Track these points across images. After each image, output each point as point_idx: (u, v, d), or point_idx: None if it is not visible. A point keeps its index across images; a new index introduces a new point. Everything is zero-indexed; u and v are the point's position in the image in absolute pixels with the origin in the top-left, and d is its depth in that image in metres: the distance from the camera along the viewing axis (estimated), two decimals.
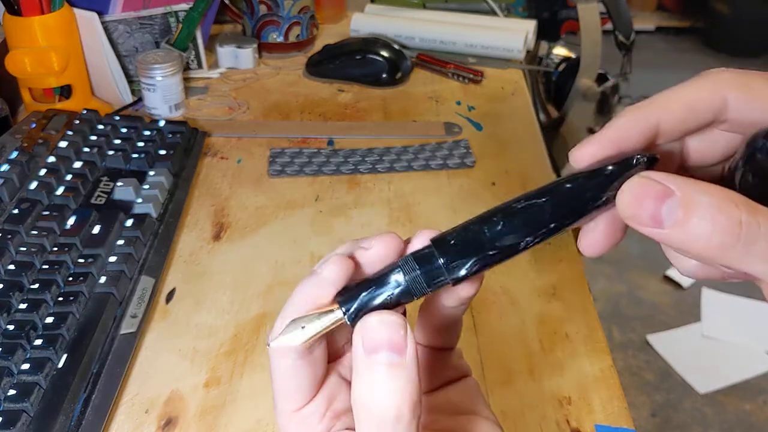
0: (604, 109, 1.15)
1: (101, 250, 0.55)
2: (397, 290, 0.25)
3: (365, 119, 0.85)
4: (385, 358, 0.23)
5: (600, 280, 1.85)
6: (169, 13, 0.87)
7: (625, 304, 1.83)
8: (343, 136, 0.80)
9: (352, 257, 0.27)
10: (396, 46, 0.94)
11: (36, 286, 0.50)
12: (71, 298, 0.50)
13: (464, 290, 0.28)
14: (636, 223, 0.23)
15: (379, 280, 0.26)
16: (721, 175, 0.28)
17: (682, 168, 0.28)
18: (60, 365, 0.45)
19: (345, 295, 0.25)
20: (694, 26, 3.36)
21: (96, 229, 0.57)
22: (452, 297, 0.28)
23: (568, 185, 0.25)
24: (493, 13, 1.09)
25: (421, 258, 0.26)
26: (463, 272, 0.25)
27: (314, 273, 0.26)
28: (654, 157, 0.25)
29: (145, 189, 0.63)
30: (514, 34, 0.99)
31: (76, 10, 0.78)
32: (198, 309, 0.55)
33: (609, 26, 1.16)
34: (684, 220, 0.21)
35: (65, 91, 0.80)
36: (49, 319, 0.48)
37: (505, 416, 0.47)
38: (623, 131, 0.25)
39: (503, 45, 0.98)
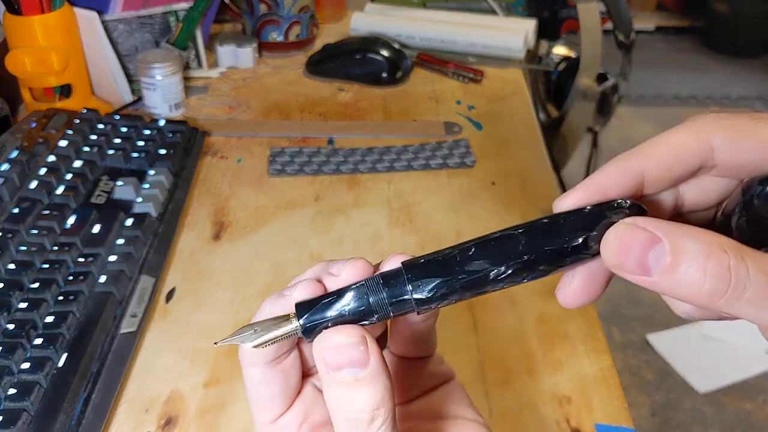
0: (604, 109, 1.15)
1: (101, 249, 0.55)
2: (358, 311, 0.24)
3: (365, 118, 0.85)
4: (349, 374, 0.24)
5: None
6: (169, 13, 0.87)
7: (625, 304, 1.83)
8: (343, 136, 0.80)
9: (320, 281, 0.26)
10: (396, 46, 0.94)
11: (36, 285, 0.50)
12: (71, 297, 0.50)
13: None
14: (622, 271, 0.22)
15: (342, 297, 0.25)
16: (715, 218, 0.27)
17: (678, 215, 0.28)
18: (60, 364, 0.45)
19: (305, 307, 0.25)
20: (694, 26, 3.36)
21: (96, 229, 0.57)
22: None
23: (545, 220, 0.24)
24: (493, 12, 1.09)
25: (391, 283, 0.24)
26: (429, 304, 0.24)
27: (282, 295, 0.26)
28: (640, 207, 0.24)
29: (145, 188, 0.63)
30: (514, 33, 0.99)
31: (76, 10, 0.78)
32: (198, 308, 0.55)
33: (609, 26, 1.16)
34: (672, 267, 0.21)
35: (65, 91, 0.80)
36: (50, 319, 0.48)
37: (504, 416, 0.47)
38: (607, 179, 0.25)
39: (503, 44, 0.98)
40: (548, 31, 1.21)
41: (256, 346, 0.25)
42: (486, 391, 0.49)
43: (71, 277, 0.52)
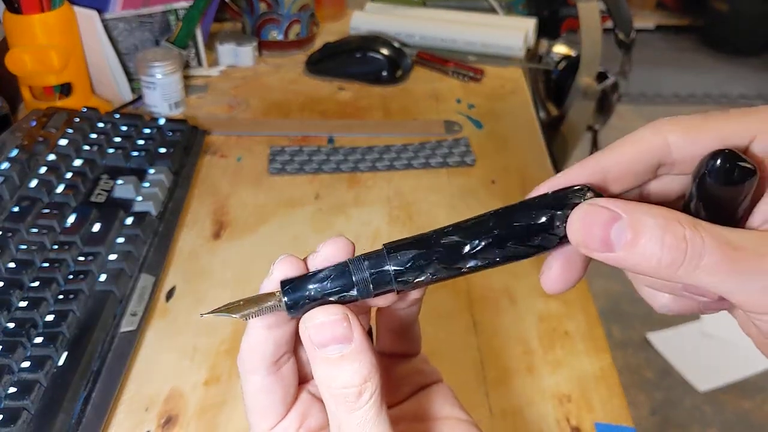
0: (604, 108, 1.15)
1: (101, 248, 0.55)
2: (341, 288, 0.25)
3: (365, 117, 0.85)
4: (334, 350, 0.25)
5: (599, 278, 1.85)
6: (169, 11, 0.87)
7: (625, 302, 1.83)
8: (343, 134, 0.80)
9: (305, 261, 0.27)
10: (396, 44, 0.94)
11: (36, 284, 0.50)
12: (71, 296, 0.50)
13: (411, 293, 0.29)
14: (587, 249, 0.24)
15: (326, 275, 0.26)
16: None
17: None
18: (60, 363, 0.46)
19: (290, 284, 0.26)
20: (694, 24, 3.36)
21: (96, 227, 0.57)
22: (401, 300, 0.29)
23: (514, 204, 0.25)
24: (493, 11, 1.09)
25: (373, 261, 0.26)
26: (406, 277, 0.25)
27: (268, 275, 0.27)
28: (599, 194, 0.25)
29: (145, 187, 0.63)
30: (515, 32, 0.99)
31: (76, 8, 0.78)
32: (198, 307, 0.55)
33: (609, 24, 1.16)
34: (633, 241, 0.22)
35: (65, 89, 0.80)
36: (50, 317, 0.48)
37: (504, 414, 0.47)
38: (571, 177, 0.26)
39: (503, 43, 0.98)
40: (548, 30, 1.21)
41: (242, 317, 0.26)
42: (486, 391, 0.49)
43: (71, 276, 0.52)
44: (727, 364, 1.65)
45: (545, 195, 0.26)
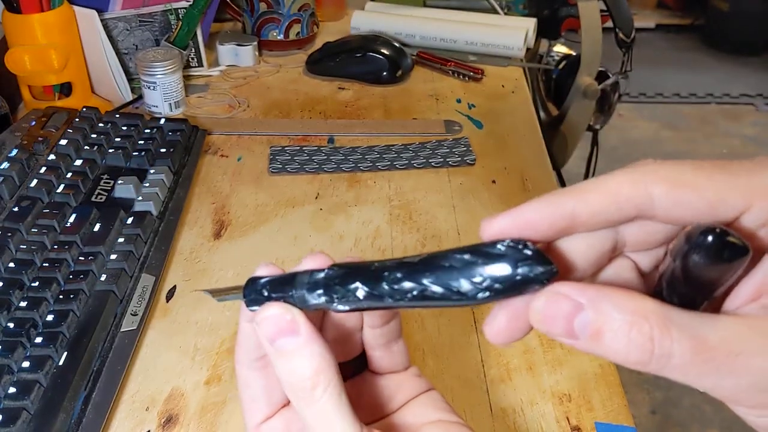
0: (605, 107, 1.15)
1: (101, 247, 0.55)
2: (287, 296, 0.27)
3: (366, 117, 0.84)
4: (284, 344, 0.26)
5: None
6: (168, 11, 0.87)
7: None
8: (344, 134, 0.80)
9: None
10: (396, 44, 0.94)
11: (36, 284, 0.50)
12: (71, 296, 0.50)
13: (372, 320, 0.30)
14: (551, 335, 0.23)
15: (281, 281, 0.28)
16: (660, 266, 0.26)
17: (617, 253, 0.27)
18: (60, 363, 0.45)
19: (253, 280, 0.29)
20: (695, 24, 3.36)
21: (96, 227, 0.57)
22: (371, 320, 0.30)
23: (441, 266, 0.24)
24: (493, 10, 1.09)
25: (311, 280, 0.27)
26: (342, 307, 0.26)
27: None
28: (543, 257, 0.23)
29: (145, 187, 0.63)
30: (515, 31, 0.99)
31: (76, 8, 0.78)
32: (198, 306, 0.55)
33: (609, 24, 1.16)
34: (597, 335, 0.21)
35: (65, 89, 0.80)
36: (50, 317, 0.48)
37: (504, 413, 0.47)
38: (536, 213, 0.24)
39: (503, 43, 0.98)
40: (548, 30, 1.21)
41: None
42: (486, 389, 0.49)
43: (71, 276, 0.52)
44: None
45: (478, 243, 0.24)
